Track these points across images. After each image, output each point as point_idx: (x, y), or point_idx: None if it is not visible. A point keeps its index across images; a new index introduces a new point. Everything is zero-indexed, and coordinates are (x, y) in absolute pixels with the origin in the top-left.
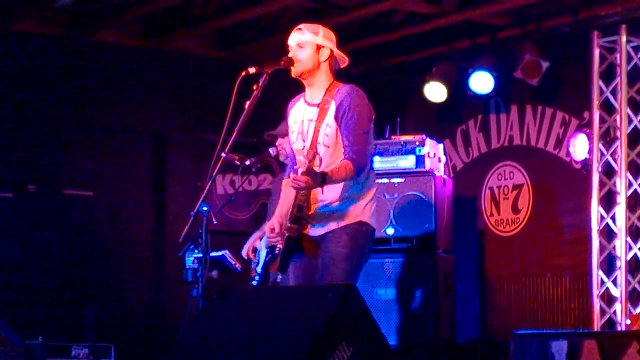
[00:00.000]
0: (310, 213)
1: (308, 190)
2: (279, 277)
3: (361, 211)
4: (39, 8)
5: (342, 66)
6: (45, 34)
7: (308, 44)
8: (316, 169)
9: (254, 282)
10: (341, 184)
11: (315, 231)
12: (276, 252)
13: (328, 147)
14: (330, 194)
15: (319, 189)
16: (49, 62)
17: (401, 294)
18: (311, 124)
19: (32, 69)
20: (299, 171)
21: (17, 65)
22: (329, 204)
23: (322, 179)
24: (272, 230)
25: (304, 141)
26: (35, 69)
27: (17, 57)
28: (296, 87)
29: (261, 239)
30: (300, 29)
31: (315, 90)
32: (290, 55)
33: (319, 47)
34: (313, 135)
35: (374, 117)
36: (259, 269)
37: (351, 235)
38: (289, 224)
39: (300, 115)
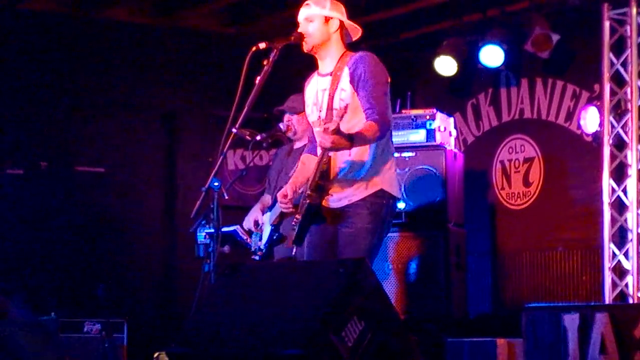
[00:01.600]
0: (330, 181)
1: (335, 151)
2: (294, 249)
3: (381, 179)
4: None
5: (354, 38)
6: (55, 11)
7: (316, 16)
8: None
9: (256, 257)
10: (362, 150)
11: (335, 202)
12: (292, 223)
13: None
14: (351, 161)
15: (344, 154)
16: (58, 40)
17: (413, 268)
18: (325, 93)
19: (41, 47)
20: (329, 129)
21: (27, 43)
22: (349, 171)
23: (350, 139)
24: (285, 196)
25: (319, 111)
26: (45, 47)
27: (26, 35)
28: (307, 62)
29: (263, 212)
30: (307, 4)
31: (327, 62)
32: (299, 30)
33: (327, 19)
34: (328, 103)
35: (389, 80)
36: (262, 245)
37: (372, 209)
38: (309, 192)
39: (314, 87)
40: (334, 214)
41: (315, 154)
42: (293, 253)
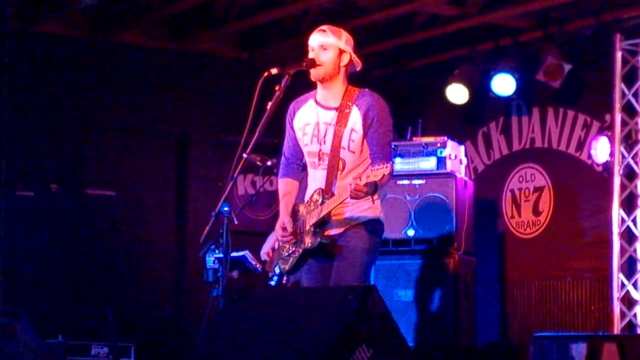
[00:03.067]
0: (331, 216)
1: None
2: (285, 277)
3: (375, 210)
4: (62, 9)
5: (356, 69)
6: (69, 35)
7: (332, 47)
8: (339, 172)
9: (272, 283)
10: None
11: (333, 230)
12: (286, 254)
13: (353, 152)
14: (353, 200)
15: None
16: (72, 64)
17: (421, 295)
18: (330, 128)
19: (55, 70)
20: (362, 180)
21: (41, 66)
22: (348, 206)
23: (375, 189)
24: (285, 229)
25: (320, 144)
26: (58, 70)
27: (40, 58)
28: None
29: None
30: (324, 30)
31: (331, 94)
32: (311, 56)
33: (341, 52)
34: (334, 140)
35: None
36: (276, 270)
37: (370, 231)
38: (314, 229)
39: (314, 117)
40: (332, 241)
41: (296, 178)
42: (291, 280)
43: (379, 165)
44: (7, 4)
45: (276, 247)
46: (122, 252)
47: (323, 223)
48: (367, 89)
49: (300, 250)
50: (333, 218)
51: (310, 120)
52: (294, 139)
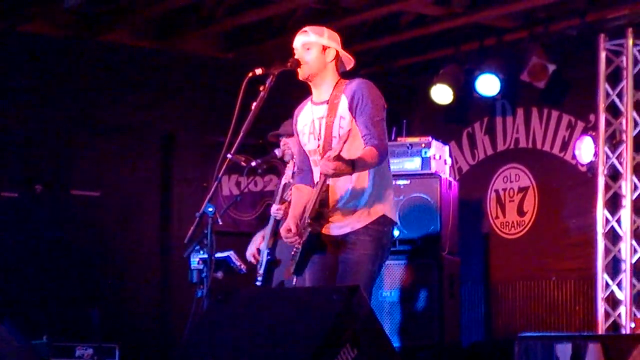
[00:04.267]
0: (330, 209)
1: (337, 177)
2: (294, 279)
3: (382, 206)
4: (48, 9)
5: (347, 68)
6: (54, 34)
7: (314, 45)
8: None
9: (258, 283)
10: (363, 178)
11: (336, 230)
12: (292, 253)
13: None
14: (352, 189)
15: (345, 183)
16: (57, 63)
17: (406, 296)
18: (322, 121)
19: (40, 69)
20: (332, 154)
21: (26, 65)
22: (350, 199)
23: (352, 165)
24: (289, 230)
25: (317, 140)
26: (44, 70)
27: (25, 57)
28: (303, 88)
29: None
30: (305, 31)
31: (322, 90)
32: (296, 57)
33: (324, 48)
34: (326, 131)
35: (386, 106)
36: (261, 270)
37: (374, 236)
38: (309, 220)
39: (309, 115)
40: (335, 242)
41: (308, 183)
42: (294, 283)
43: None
44: None
45: (262, 249)
46: (106, 253)
47: (319, 216)
48: (357, 78)
49: (300, 247)
50: (336, 218)
51: (307, 120)
52: (299, 144)
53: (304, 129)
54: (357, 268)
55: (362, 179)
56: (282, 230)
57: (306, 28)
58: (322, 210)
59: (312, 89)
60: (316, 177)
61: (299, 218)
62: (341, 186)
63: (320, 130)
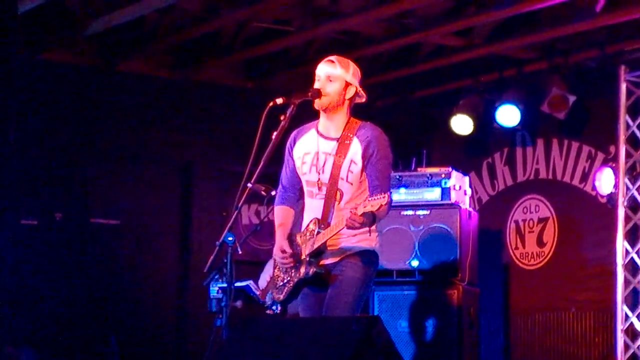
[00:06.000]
0: (327, 246)
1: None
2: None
3: (371, 241)
4: (67, 37)
5: (361, 102)
6: (73, 63)
7: (338, 79)
8: (336, 203)
9: (269, 311)
10: None
11: (329, 260)
12: (281, 283)
13: (351, 184)
14: (349, 231)
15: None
16: (76, 91)
17: (425, 326)
18: (329, 158)
19: (59, 97)
20: (359, 210)
21: (46, 94)
22: (344, 237)
23: (373, 220)
24: (284, 251)
25: (318, 173)
26: (63, 98)
27: (45, 86)
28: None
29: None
30: (332, 61)
31: (333, 124)
32: (317, 85)
33: (347, 84)
34: (333, 170)
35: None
36: (267, 299)
37: (365, 262)
38: (309, 258)
39: (314, 146)
40: (327, 271)
41: (292, 206)
42: (277, 310)
43: (376, 195)
44: (15, 32)
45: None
46: (125, 281)
47: (318, 253)
48: (369, 122)
49: (295, 280)
50: (329, 248)
51: (310, 150)
52: (293, 168)
53: (305, 157)
54: (344, 289)
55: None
56: (276, 251)
57: (333, 58)
58: (321, 249)
59: (321, 118)
60: (309, 207)
61: (290, 238)
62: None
63: (324, 165)
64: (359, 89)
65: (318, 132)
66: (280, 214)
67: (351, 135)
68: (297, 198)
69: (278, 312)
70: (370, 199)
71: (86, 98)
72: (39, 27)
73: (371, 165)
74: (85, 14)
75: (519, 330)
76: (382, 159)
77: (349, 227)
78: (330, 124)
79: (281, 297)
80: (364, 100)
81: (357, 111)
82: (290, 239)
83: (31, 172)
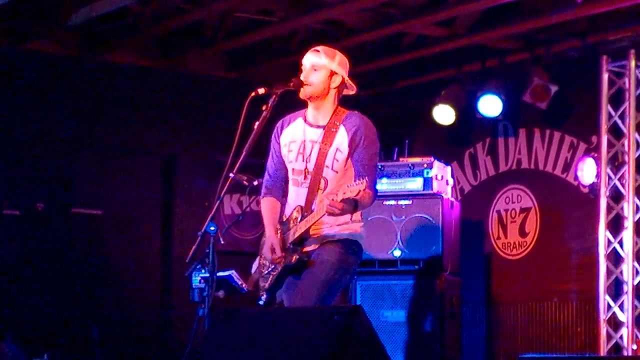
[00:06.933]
0: (309, 234)
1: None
2: (264, 296)
3: (353, 229)
4: (51, 27)
5: (350, 93)
6: (57, 53)
7: (323, 68)
8: (320, 191)
9: (260, 302)
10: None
11: (311, 247)
12: (266, 271)
13: (337, 172)
14: (331, 219)
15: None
16: (60, 82)
17: (407, 316)
18: (315, 145)
19: (43, 88)
20: (338, 196)
21: (29, 84)
22: (327, 226)
23: (355, 206)
24: (274, 250)
25: (305, 162)
26: (47, 88)
27: (28, 76)
28: (304, 108)
29: None
30: (317, 50)
31: (320, 113)
32: (302, 75)
33: (332, 73)
34: (318, 158)
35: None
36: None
37: (343, 249)
38: (292, 246)
39: (300, 135)
40: (308, 257)
41: (277, 198)
42: (262, 301)
43: (356, 181)
44: None
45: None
46: (108, 271)
47: (301, 240)
48: (356, 111)
49: (280, 268)
50: (311, 235)
51: (296, 138)
52: (279, 156)
53: (292, 145)
54: (316, 269)
55: (345, 216)
56: (267, 251)
57: (319, 48)
58: (304, 236)
59: (309, 107)
60: (294, 195)
61: (278, 234)
62: (325, 219)
63: (311, 153)
64: (347, 79)
65: (305, 120)
66: (268, 207)
67: (338, 124)
68: (282, 188)
69: (265, 300)
70: (349, 184)
71: (69, 89)
72: (21, 18)
73: (357, 154)
74: (67, 4)
75: (501, 320)
76: (367, 148)
77: (329, 214)
78: (317, 113)
79: (266, 285)
80: (353, 92)
81: (341, 101)
82: (276, 228)
83: (12, 162)
